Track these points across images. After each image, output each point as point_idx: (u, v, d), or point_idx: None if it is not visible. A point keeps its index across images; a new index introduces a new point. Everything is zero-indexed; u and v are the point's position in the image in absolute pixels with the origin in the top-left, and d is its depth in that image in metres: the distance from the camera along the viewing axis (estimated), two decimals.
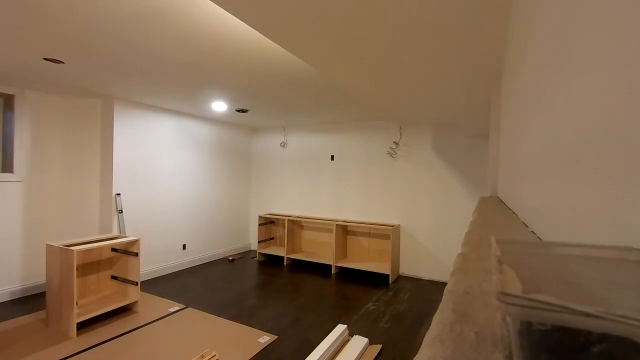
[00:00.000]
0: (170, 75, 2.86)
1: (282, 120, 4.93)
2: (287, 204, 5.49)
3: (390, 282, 4.14)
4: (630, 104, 0.27)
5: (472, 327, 0.29)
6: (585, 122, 0.38)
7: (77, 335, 2.62)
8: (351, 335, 2.65)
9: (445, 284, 4.11)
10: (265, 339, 2.63)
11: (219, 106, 4.02)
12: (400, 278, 4.36)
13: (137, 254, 3.06)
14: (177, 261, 4.50)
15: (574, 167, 0.42)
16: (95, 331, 2.70)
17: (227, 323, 2.91)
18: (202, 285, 3.89)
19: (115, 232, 3.77)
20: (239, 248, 5.60)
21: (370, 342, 2.57)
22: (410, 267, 4.48)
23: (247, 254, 5.44)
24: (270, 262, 4.99)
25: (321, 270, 4.64)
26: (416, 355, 0.26)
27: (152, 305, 3.27)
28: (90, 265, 3.11)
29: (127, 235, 3.78)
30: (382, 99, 2.96)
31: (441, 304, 0.36)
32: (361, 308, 3.32)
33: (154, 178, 4.19)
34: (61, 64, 2.61)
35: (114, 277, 3.24)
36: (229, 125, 5.36)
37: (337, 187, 5.00)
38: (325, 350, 2.27)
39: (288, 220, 4.98)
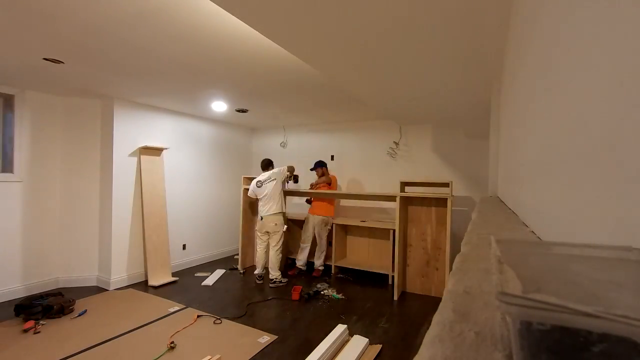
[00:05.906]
0: (170, 76, 2.85)
1: (282, 120, 4.93)
2: (287, 203, 5.47)
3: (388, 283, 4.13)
4: (630, 103, 0.27)
5: (472, 327, 0.29)
6: (585, 122, 0.38)
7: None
8: (351, 335, 2.65)
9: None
10: (265, 339, 2.63)
11: (219, 106, 4.02)
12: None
13: None
14: (177, 261, 4.50)
15: (574, 167, 0.42)
16: (96, 331, 2.69)
17: (227, 323, 2.91)
18: (202, 285, 3.89)
19: (115, 232, 3.76)
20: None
21: (370, 342, 2.57)
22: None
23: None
24: None
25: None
26: (416, 355, 0.26)
27: (152, 305, 3.27)
28: None
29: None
30: (381, 97, 2.96)
31: (441, 304, 0.36)
32: (361, 308, 3.32)
33: None
34: (61, 64, 2.61)
35: None
36: (228, 125, 5.36)
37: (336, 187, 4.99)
38: (325, 350, 2.27)
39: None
